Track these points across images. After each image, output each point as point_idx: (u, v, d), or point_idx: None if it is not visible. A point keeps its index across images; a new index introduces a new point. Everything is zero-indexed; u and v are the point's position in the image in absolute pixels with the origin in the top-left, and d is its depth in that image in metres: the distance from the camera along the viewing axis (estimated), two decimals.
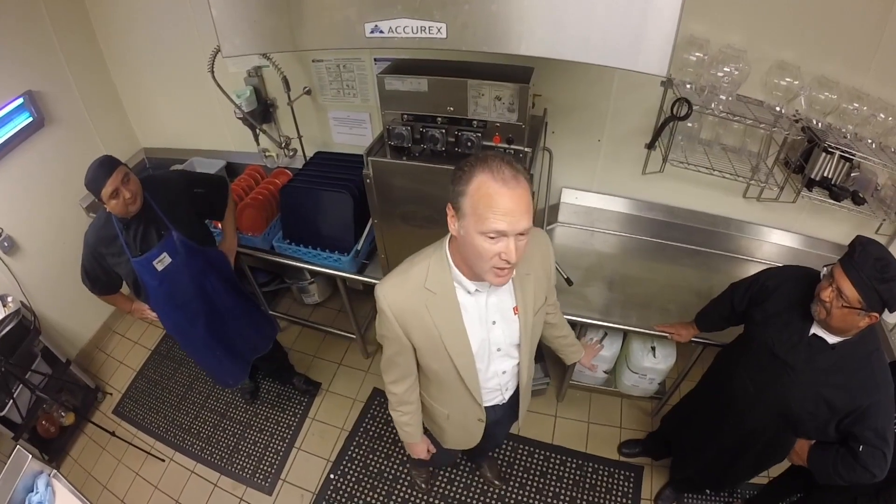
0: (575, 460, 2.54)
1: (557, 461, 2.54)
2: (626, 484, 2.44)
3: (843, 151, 1.84)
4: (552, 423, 2.70)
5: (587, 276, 2.31)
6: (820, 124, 1.90)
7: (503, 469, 2.50)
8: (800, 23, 1.81)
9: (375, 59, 2.40)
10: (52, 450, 2.66)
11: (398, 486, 2.48)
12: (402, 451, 2.59)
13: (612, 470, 2.49)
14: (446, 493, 2.45)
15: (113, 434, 2.69)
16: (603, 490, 2.42)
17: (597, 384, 2.72)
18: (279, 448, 2.67)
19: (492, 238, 1.02)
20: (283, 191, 2.41)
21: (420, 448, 1.68)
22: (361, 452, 2.62)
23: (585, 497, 2.40)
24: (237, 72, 2.70)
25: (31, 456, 1.92)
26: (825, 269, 1.37)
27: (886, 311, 1.28)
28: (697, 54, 1.87)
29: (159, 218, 1.95)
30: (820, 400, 1.42)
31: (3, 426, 2.44)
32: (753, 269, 1.78)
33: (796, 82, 1.81)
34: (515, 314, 1.30)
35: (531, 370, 1.53)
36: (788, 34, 1.84)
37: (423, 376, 1.44)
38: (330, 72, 2.55)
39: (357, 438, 2.68)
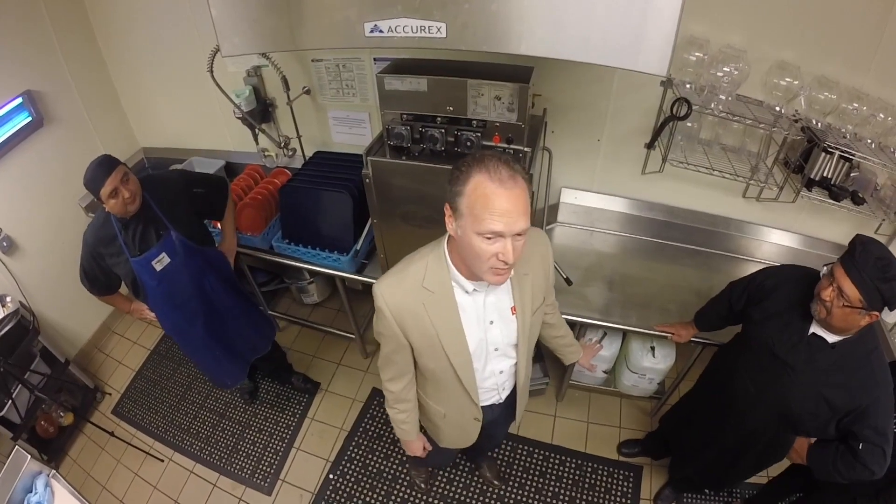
0: (574, 460, 2.54)
1: (557, 461, 2.54)
2: (626, 484, 2.44)
3: (842, 151, 1.84)
4: (551, 423, 2.70)
5: (587, 276, 2.31)
6: (820, 124, 1.90)
7: (502, 469, 2.50)
8: (800, 23, 1.81)
9: (375, 59, 2.40)
10: (51, 450, 2.66)
11: (397, 486, 2.48)
12: (401, 451, 2.59)
13: (611, 470, 2.49)
14: (446, 492, 2.45)
15: (112, 434, 2.68)
16: (602, 490, 2.42)
17: (596, 384, 2.72)
18: (278, 448, 2.67)
19: (489, 239, 1.02)
20: (282, 190, 2.40)
21: (416, 446, 1.68)
22: (361, 452, 2.62)
23: (585, 497, 2.40)
24: (236, 71, 2.70)
25: (29, 456, 1.92)
26: (825, 268, 1.37)
27: (886, 309, 1.28)
28: (697, 54, 1.87)
29: (158, 218, 1.94)
30: (820, 399, 1.42)
31: (2, 426, 2.44)
32: (753, 269, 1.78)
33: (796, 82, 1.81)
34: (513, 314, 1.30)
35: (529, 370, 1.52)
36: (788, 34, 1.84)
37: (420, 375, 1.44)
38: (329, 71, 2.55)
39: (356, 438, 2.68)
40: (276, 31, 1.47)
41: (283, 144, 2.87)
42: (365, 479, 2.52)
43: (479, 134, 1.71)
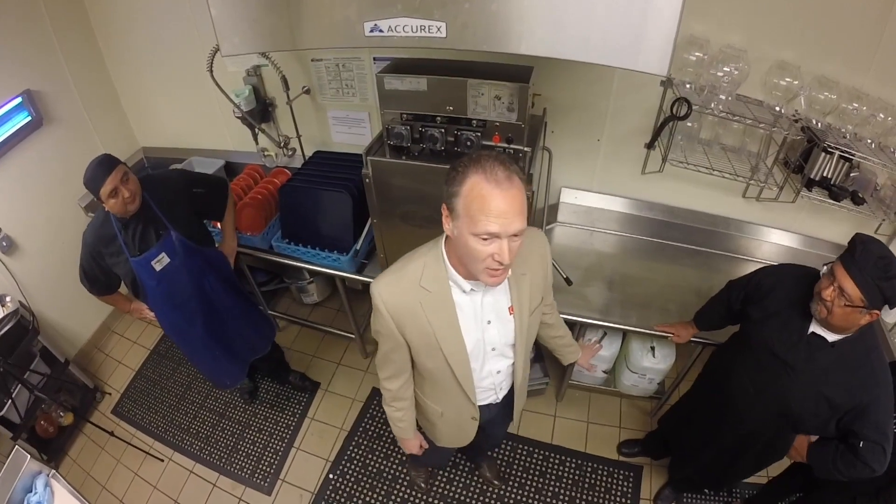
0: (574, 460, 2.54)
1: (557, 461, 2.54)
2: (626, 484, 2.44)
3: (842, 151, 1.84)
4: (551, 423, 2.70)
5: (587, 276, 2.31)
6: (819, 124, 1.90)
7: (502, 469, 2.50)
8: (800, 22, 1.81)
9: (375, 59, 2.40)
10: (51, 450, 2.66)
11: (397, 486, 2.48)
12: (401, 451, 2.59)
13: (611, 470, 2.49)
14: (446, 492, 2.45)
15: (112, 434, 2.68)
16: (602, 490, 2.42)
17: (596, 384, 2.72)
18: (278, 448, 2.67)
19: (485, 240, 1.02)
20: (282, 190, 2.40)
21: (413, 444, 1.68)
22: (361, 452, 2.62)
23: (585, 497, 2.40)
24: (236, 71, 2.70)
25: (29, 456, 1.92)
26: (825, 267, 1.37)
27: (886, 307, 1.28)
28: (697, 54, 1.87)
29: (158, 217, 1.94)
30: (821, 399, 1.42)
31: (2, 426, 2.44)
32: (753, 269, 1.78)
33: (796, 82, 1.81)
34: (511, 314, 1.30)
35: (526, 370, 1.53)
36: (788, 34, 1.84)
37: (418, 374, 1.44)
38: (329, 71, 2.54)
39: (356, 438, 2.68)
40: (276, 30, 1.47)
41: (282, 144, 2.87)
42: (365, 478, 2.52)
43: (479, 134, 1.71)
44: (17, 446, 1.98)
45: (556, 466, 2.52)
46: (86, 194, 2.82)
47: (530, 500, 2.40)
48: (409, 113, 1.76)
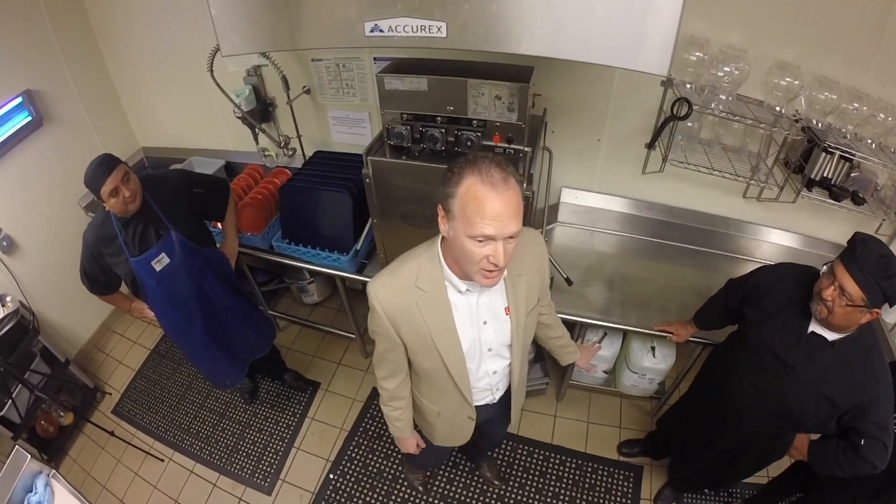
0: (574, 460, 2.54)
1: (557, 461, 2.54)
2: (626, 484, 2.44)
3: (842, 151, 1.84)
4: (552, 423, 2.70)
5: (587, 276, 2.31)
6: (820, 124, 1.90)
7: (502, 469, 2.50)
8: (800, 22, 1.81)
9: (375, 59, 2.40)
10: (51, 450, 2.66)
11: (397, 486, 2.48)
12: (400, 451, 2.58)
13: (611, 470, 2.49)
14: (445, 492, 2.45)
15: (112, 434, 2.68)
16: (602, 490, 2.42)
17: (596, 384, 2.72)
18: (278, 448, 2.67)
19: (480, 241, 1.02)
20: (282, 190, 2.40)
21: (410, 443, 1.69)
22: (361, 452, 2.62)
23: (585, 497, 2.40)
24: (236, 71, 2.70)
25: (29, 456, 1.91)
26: (825, 266, 1.37)
27: (887, 306, 1.28)
28: (697, 54, 1.86)
29: (158, 217, 1.94)
30: (821, 398, 1.42)
31: (2, 426, 2.44)
32: (753, 269, 1.78)
33: (796, 82, 1.81)
34: (507, 315, 1.30)
35: (523, 371, 1.52)
36: (788, 33, 1.84)
37: (415, 374, 1.44)
38: (329, 71, 2.54)
39: (356, 438, 2.68)
40: (276, 30, 1.47)
41: (282, 144, 2.87)
42: (365, 478, 2.52)
43: (480, 134, 1.71)
44: (17, 446, 1.98)
45: (556, 466, 2.52)
46: (86, 194, 2.82)
47: (530, 501, 2.40)
48: (410, 113, 1.75)
